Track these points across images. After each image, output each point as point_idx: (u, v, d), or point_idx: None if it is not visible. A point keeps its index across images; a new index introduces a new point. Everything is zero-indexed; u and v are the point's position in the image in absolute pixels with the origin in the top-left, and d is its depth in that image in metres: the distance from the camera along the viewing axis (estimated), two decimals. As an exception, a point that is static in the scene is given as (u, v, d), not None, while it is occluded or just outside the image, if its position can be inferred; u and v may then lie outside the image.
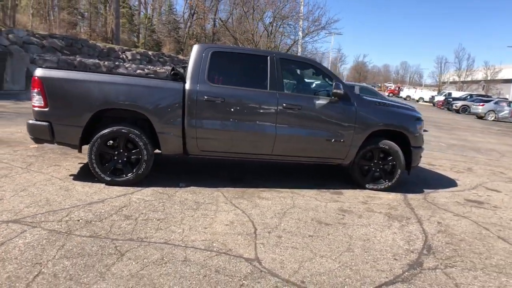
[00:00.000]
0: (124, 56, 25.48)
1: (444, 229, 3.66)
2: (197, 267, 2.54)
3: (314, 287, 2.44)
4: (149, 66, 26.14)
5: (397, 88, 55.62)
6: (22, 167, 4.42)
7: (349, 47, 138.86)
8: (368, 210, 4.03)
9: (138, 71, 24.33)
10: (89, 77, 3.97)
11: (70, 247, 2.65)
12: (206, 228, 3.21)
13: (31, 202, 3.39)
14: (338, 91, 4.33)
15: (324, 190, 4.65)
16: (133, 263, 2.52)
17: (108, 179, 4.03)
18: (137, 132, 4.01)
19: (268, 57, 4.43)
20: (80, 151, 4.17)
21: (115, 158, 4.07)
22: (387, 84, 66.01)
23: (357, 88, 13.19)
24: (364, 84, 14.71)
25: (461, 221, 3.95)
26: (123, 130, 3.98)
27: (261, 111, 4.32)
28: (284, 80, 4.58)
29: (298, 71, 4.91)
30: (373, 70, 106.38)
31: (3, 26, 18.92)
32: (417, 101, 45.30)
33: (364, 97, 5.04)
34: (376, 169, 4.80)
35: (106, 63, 21.75)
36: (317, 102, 4.45)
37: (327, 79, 4.68)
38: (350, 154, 4.64)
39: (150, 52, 29.49)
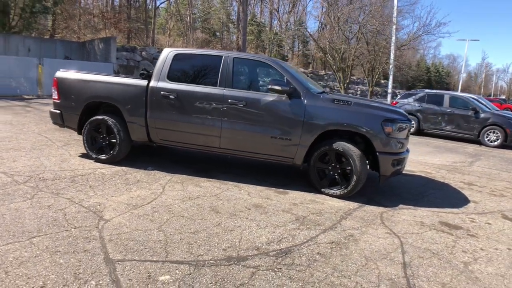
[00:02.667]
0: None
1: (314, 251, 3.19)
2: (65, 214, 3.19)
3: (116, 242, 2.73)
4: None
5: None
6: (59, 145, 6.00)
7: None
8: (284, 210, 3.82)
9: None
10: (82, 77, 5.18)
11: (17, 189, 3.71)
12: (112, 196, 3.82)
13: (31, 164, 4.74)
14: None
15: (273, 188, 4.57)
16: (38, 203, 3.38)
17: (94, 156, 5.12)
18: (113, 120, 4.97)
19: (223, 57, 4.74)
20: (79, 133, 5.40)
21: (100, 140, 5.13)
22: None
23: (447, 98, 11.22)
24: (462, 94, 12.28)
25: (372, 242, 3.31)
26: (104, 119, 5.01)
27: (209, 106, 4.63)
28: (241, 78, 4.76)
29: (254, 70, 4.94)
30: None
31: (139, 45, 23.88)
32: None
33: (324, 94, 4.60)
34: (334, 173, 4.39)
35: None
36: (263, 98, 4.47)
37: (277, 77, 4.59)
38: (299, 154, 4.43)
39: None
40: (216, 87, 4.64)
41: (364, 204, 4.23)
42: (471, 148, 10.16)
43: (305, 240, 3.12)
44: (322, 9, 31.50)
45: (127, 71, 18.77)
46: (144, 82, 4.89)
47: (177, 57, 4.90)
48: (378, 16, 14.71)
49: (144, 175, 4.72)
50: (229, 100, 4.53)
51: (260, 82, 5.27)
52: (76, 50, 19.85)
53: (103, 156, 5.10)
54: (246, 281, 2.41)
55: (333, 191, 4.38)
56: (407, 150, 4.69)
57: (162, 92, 4.75)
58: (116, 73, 17.61)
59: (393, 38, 14.38)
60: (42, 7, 18.44)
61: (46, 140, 6.32)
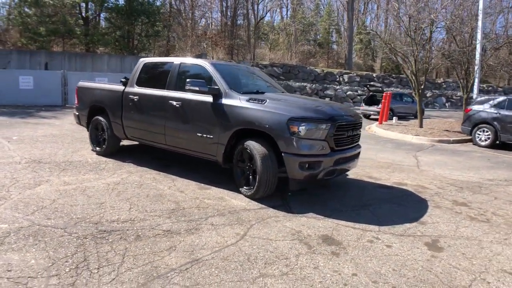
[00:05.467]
0: (341, 79, 27.47)
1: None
2: (18, 181, 4.30)
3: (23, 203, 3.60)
4: (363, 88, 26.70)
5: None
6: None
7: None
8: (176, 201, 4.08)
9: (349, 92, 25.67)
10: (89, 85, 6.46)
11: (18, 167, 5.10)
12: (64, 176, 4.80)
13: (48, 153, 6.23)
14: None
15: (201, 184, 4.83)
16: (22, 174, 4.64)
17: (95, 149, 6.34)
18: (103, 120, 6.08)
19: (173, 63, 5.28)
20: (88, 130, 6.68)
21: (98, 136, 6.31)
22: None
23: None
24: None
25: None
26: (98, 119, 6.16)
27: (158, 106, 5.22)
28: (182, 80, 5.11)
29: (195, 73, 5.17)
30: None
31: (239, 60, 25.68)
32: None
33: (247, 94, 4.52)
34: (249, 172, 4.38)
35: (313, 85, 24.63)
36: (194, 99, 4.79)
37: (213, 79, 4.80)
38: (219, 152, 4.58)
39: (374, 74, 29.96)
40: (164, 90, 5.20)
41: (269, 207, 4.08)
42: None
43: (152, 224, 3.38)
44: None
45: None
46: (121, 88, 5.83)
47: (145, 65, 5.69)
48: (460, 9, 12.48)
49: (115, 165, 5.62)
50: (169, 101, 5.03)
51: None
52: (181, 66, 23.12)
53: (98, 149, 6.26)
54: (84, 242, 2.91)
55: (244, 191, 4.37)
56: (340, 152, 4.25)
57: (129, 96, 5.60)
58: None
59: (479, 34, 11.91)
60: (154, 31, 22.32)
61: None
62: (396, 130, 12.14)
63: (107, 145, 6.10)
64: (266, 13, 32.17)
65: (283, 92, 5.57)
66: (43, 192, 4.14)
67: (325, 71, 27.47)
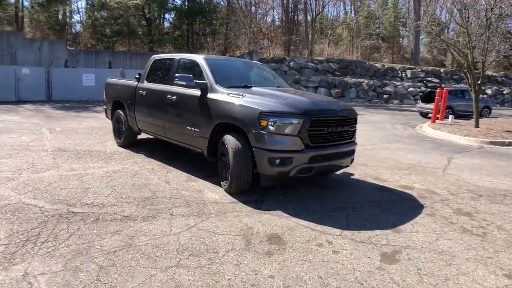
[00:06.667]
0: (403, 74, 25.66)
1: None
2: (34, 164, 4.95)
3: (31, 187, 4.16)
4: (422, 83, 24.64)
5: None
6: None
7: None
8: (152, 190, 4.29)
9: (410, 89, 23.87)
10: (112, 81, 7.02)
11: (45, 154, 5.86)
12: (80, 165, 5.35)
13: (77, 143, 6.96)
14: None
15: (192, 177, 5.00)
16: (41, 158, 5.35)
17: (116, 141, 6.92)
18: (122, 114, 6.59)
19: (174, 59, 5.51)
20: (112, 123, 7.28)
21: (120, 129, 6.86)
22: None
23: None
24: None
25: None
26: (119, 112, 6.70)
27: (159, 100, 5.50)
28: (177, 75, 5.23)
29: (190, 68, 5.24)
30: None
31: (297, 56, 25.31)
32: None
33: (225, 88, 4.51)
34: (228, 167, 4.40)
35: (371, 81, 23.37)
36: (185, 93, 4.96)
37: (203, 74, 4.89)
38: (204, 145, 4.68)
39: (442, 70, 27.52)
40: (165, 85, 5.47)
41: (240, 202, 4.07)
42: None
43: (117, 210, 3.64)
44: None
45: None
46: (135, 83, 6.26)
47: (155, 62, 6.03)
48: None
49: (127, 155, 6.08)
50: (167, 96, 5.28)
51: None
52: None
53: (119, 141, 6.82)
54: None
55: (223, 185, 4.42)
56: (317, 149, 4.07)
57: (139, 91, 5.99)
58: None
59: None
60: (211, 30, 23.20)
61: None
62: (446, 130, 11.01)
63: (125, 137, 6.61)
64: (323, 8, 31.20)
65: (278, 87, 5.46)
66: (47, 176, 4.68)
67: (386, 67, 25.86)
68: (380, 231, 3.50)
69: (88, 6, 21.61)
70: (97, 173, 4.95)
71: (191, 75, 4.79)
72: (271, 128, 3.89)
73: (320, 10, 29.68)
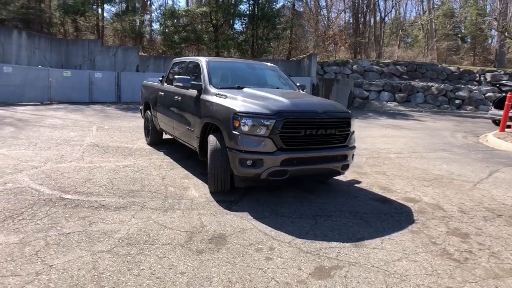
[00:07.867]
0: (481, 78, 22.83)
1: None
2: (62, 156, 5.73)
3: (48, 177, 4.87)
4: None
5: None
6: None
7: None
8: (143, 185, 4.61)
9: (488, 94, 21.13)
10: (145, 84, 7.63)
11: (75, 148, 6.72)
12: (100, 158, 6.00)
13: (112, 140, 7.76)
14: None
15: (190, 175, 5.23)
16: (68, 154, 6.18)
17: (146, 139, 7.54)
18: (149, 114, 7.16)
19: (185, 61, 5.84)
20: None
21: (148, 128, 7.45)
22: None
23: None
24: None
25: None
26: (148, 112, 7.29)
27: (170, 101, 5.86)
28: (176, 76, 5.49)
29: (195, 69, 5.37)
30: None
31: (353, 58, 24.06)
32: None
33: (217, 89, 4.58)
34: (212, 166, 4.53)
35: (442, 86, 21.32)
36: (187, 94, 5.21)
37: (201, 75, 5.07)
38: (197, 144, 4.86)
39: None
40: (175, 86, 5.80)
41: (215, 201, 4.17)
42: None
43: (99, 199, 4.03)
44: None
45: (326, 84, 20.40)
46: (158, 84, 6.75)
47: (175, 64, 6.45)
48: None
49: (147, 152, 6.60)
50: (175, 96, 5.60)
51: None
52: (295, 67, 23.65)
53: (147, 139, 7.42)
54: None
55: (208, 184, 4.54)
56: (293, 152, 3.95)
57: (159, 92, 6.45)
58: (315, 87, 19.70)
59: None
60: (274, 34, 23.49)
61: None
62: (511, 140, 9.52)
63: (151, 136, 7.17)
64: (392, 8, 29.23)
65: (278, 88, 5.38)
66: (65, 167, 5.35)
67: (461, 69, 23.21)
68: (337, 243, 3.27)
69: (161, 15, 23.68)
70: (108, 166, 5.49)
71: (188, 77, 5.06)
72: (243, 128, 3.91)
73: (389, 11, 27.90)
